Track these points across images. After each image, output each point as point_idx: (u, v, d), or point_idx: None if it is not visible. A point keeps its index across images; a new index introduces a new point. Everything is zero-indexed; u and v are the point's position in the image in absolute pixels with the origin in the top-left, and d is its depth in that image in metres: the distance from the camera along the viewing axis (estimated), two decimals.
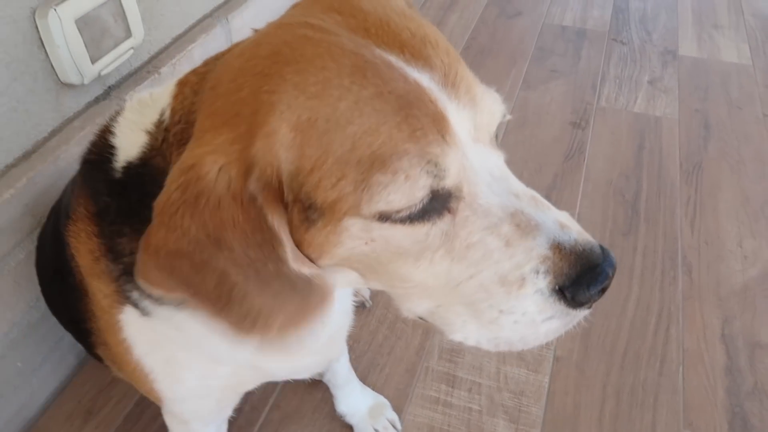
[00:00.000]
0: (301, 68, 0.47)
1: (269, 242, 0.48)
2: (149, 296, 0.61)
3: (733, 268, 1.46)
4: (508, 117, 0.55)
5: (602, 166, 1.77)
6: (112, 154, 0.62)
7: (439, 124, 0.47)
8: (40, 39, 1.04)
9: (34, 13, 1.02)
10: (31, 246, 1.06)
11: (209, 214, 0.47)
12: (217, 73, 0.52)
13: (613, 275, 0.52)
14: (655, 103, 2.03)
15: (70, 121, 1.15)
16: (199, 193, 0.47)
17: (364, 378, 1.20)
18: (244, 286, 0.48)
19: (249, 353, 0.68)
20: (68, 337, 1.19)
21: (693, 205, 1.64)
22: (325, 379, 1.11)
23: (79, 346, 1.22)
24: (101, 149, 0.63)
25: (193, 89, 0.55)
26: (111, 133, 0.63)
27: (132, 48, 1.23)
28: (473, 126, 0.50)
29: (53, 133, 1.12)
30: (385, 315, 1.35)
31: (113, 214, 0.61)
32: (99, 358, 0.81)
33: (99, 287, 0.66)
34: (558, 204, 1.69)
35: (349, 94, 0.46)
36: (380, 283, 0.57)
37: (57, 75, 1.09)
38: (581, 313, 0.53)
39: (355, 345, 1.27)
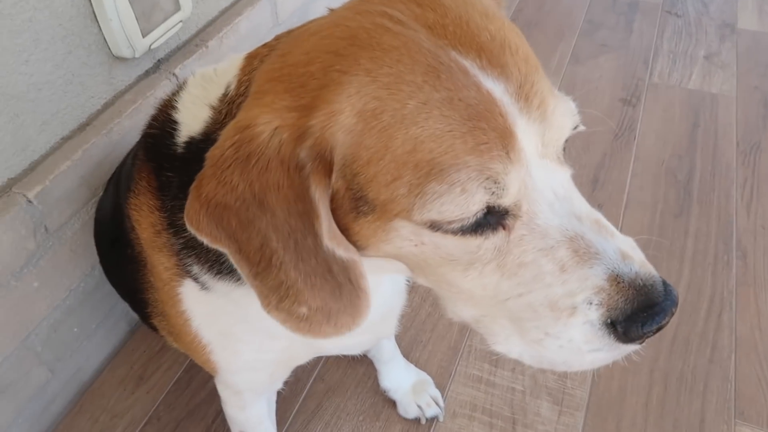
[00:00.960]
0: (377, 56, 0.46)
1: (308, 213, 0.47)
2: (207, 264, 0.62)
3: None
4: (582, 128, 0.52)
5: (653, 144, 1.71)
6: (175, 129, 0.62)
7: (505, 140, 0.46)
8: (93, 12, 1.05)
9: None
10: (87, 216, 1.09)
11: (257, 174, 0.47)
12: (287, 43, 0.52)
13: (673, 314, 0.49)
14: (711, 79, 1.95)
15: (121, 94, 1.16)
16: (251, 152, 0.47)
17: (406, 354, 1.21)
18: (282, 255, 0.48)
19: None
20: (121, 305, 1.23)
21: (750, 188, 1.57)
22: (370, 355, 1.12)
23: (132, 314, 1.26)
24: (163, 123, 0.64)
25: (261, 60, 0.55)
26: (174, 107, 0.63)
27: (181, 21, 1.23)
28: (541, 142, 0.48)
29: (106, 106, 1.13)
30: (428, 292, 1.34)
31: (175, 189, 0.62)
32: (154, 328, 0.84)
33: (160, 260, 0.67)
34: (607, 182, 1.63)
35: (420, 92, 0.45)
36: (427, 282, 0.56)
37: (109, 48, 1.11)
38: (631, 348, 0.51)
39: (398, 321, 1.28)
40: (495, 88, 0.46)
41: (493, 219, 0.48)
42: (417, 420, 1.12)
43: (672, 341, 1.24)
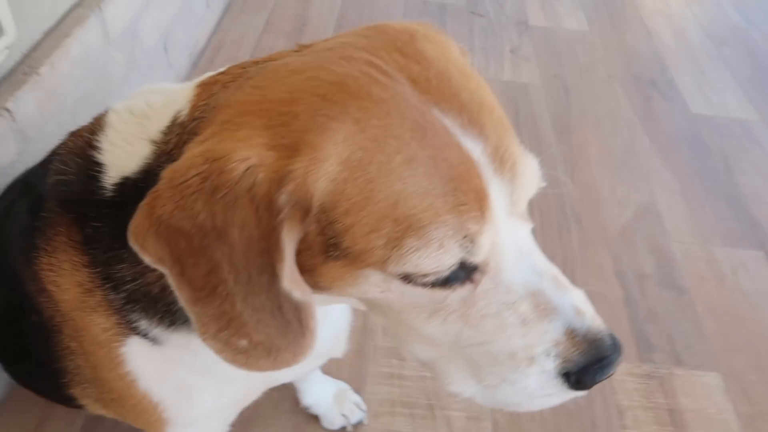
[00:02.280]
0: (366, 106, 0.46)
1: (271, 253, 0.46)
2: (158, 319, 0.57)
3: (612, 213, 1.67)
4: (543, 184, 0.56)
5: None
6: (99, 172, 0.56)
7: (481, 201, 0.48)
8: None
9: None
10: None
11: (222, 207, 0.45)
12: (264, 77, 0.50)
13: (618, 364, 0.53)
14: (520, 71, 2.22)
15: None
16: (219, 185, 0.45)
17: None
18: (231, 287, 0.47)
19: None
20: None
21: (570, 162, 1.83)
22: None
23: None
24: (80, 168, 0.57)
25: (224, 86, 0.52)
26: (94, 148, 0.56)
27: (7, 47, 1.07)
28: (510, 201, 0.51)
29: None
30: None
31: (107, 239, 0.56)
32: (69, 398, 0.73)
33: (94, 321, 0.59)
34: None
35: (407, 148, 0.46)
36: (385, 322, 0.57)
37: None
38: (579, 394, 0.54)
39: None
40: (474, 148, 0.48)
41: (461, 273, 0.50)
42: (343, 429, 1.13)
43: None
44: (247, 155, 0.45)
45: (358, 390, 1.20)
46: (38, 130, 1.13)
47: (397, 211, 0.46)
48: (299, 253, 0.49)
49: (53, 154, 0.63)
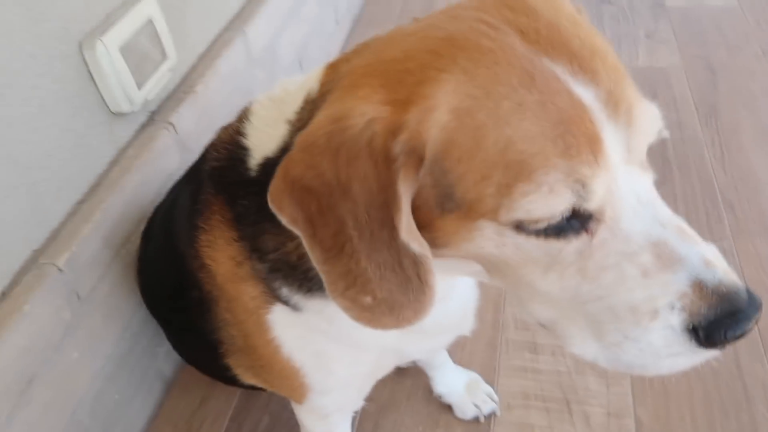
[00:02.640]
0: (474, 57, 0.48)
1: (390, 205, 0.48)
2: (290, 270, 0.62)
3: None
4: (665, 134, 0.53)
5: None
6: (245, 155, 0.63)
7: (593, 146, 0.46)
8: (89, 72, 1.05)
9: (81, 46, 1.02)
10: (113, 278, 1.06)
11: (346, 163, 0.48)
12: (381, 43, 0.54)
13: (757, 321, 0.49)
14: (657, 55, 2.08)
15: (124, 150, 1.15)
16: (342, 142, 0.48)
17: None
18: (356, 243, 0.49)
19: (393, 336, 0.70)
20: (154, 365, 1.20)
21: (719, 147, 1.68)
22: (421, 363, 1.13)
23: (166, 373, 1.23)
24: (230, 153, 0.64)
25: (347, 60, 0.56)
26: (241, 134, 0.63)
27: (170, 70, 1.23)
28: (627, 148, 0.49)
29: (112, 164, 1.12)
30: None
31: (253, 214, 0.62)
32: (225, 369, 0.82)
33: (245, 290, 0.67)
34: None
35: (514, 94, 0.46)
36: (504, 283, 0.57)
37: (107, 105, 1.10)
38: (711, 354, 0.50)
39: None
40: (585, 94, 0.47)
41: (576, 223, 0.49)
42: (476, 419, 1.13)
43: None
44: (366, 111, 0.48)
45: (490, 381, 1.19)
46: (195, 141, 1.28)
47: (506, 156, 0.46)
48: (417, 209, 0.51)
49: (208, 147, 0.72)
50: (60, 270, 0.94)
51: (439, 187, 0.49)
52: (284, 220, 0.51)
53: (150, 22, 1.17)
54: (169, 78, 1.25)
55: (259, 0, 1.65)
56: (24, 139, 0.92)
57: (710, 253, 0.50)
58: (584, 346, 0.53)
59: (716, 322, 0.48)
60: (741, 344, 1.21)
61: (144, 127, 1.21)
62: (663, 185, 1.58)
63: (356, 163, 0.48)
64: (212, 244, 0.67)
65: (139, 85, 1.13)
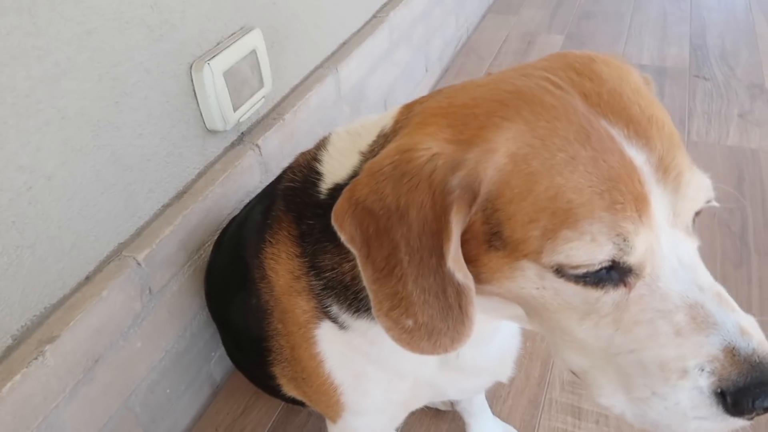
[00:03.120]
0: (536, 110, 0.52)
1: (441, 234, 0.52)
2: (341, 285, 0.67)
3: None
4: (715, 204, 0.55)
5: None
6: (318, 180, 0.68)
7: (639, 204, 0.49)
8: (194, 90, 1.16)
9: (191, 67, 1.14)
10: (183, 279, 1.14)
11: (406, 190, 0.52)
12: (453, 89, 0.59)
13: None
14: (749, 135, 2.02)
15: (212, 164, 1.25)
16: (406, 171, 0.53)
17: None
18: (405, 267, 0.53)
19: (430, 369, 0.72)
20: (206, 368, 1.27)
21: None
22: (459, 408, 1.13)
23: (215, 377, 1.29)
24: (305, 176, 0.70)
25: (421, 102, 0.62)
26: (318, 161, 0.69)
27: (263, 97, 1.34)
28: (673, 212, 0.51)
29: (199, 175, 1.22)
30: None
31: (317, 234, 0.67)
32: (270, 377, 0.86)
33: (298, 304, 0.71)
34: None
35: (569, 147, 0.50)
36: (542, 328, 0.59)
37: (204, 122, 1.20)
38: (738, 423, 0.50)
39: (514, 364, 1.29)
40: (637, 156, 0.50)
41: (616, 275, 0.51)
42: None
43: None
44: (431, 146, 0.53)
45: None
46: (276, 164, 1.37)
47: (555, 204, 0.49)
48: (465, 243, 0.54)
49: (286, 169, 0.78)
50: (138, 264, 1.03)
51: (489, 224, 0.53)
52: (343, 238, 0.55)
53: (254, 53, 1.28)
54: (262, 104, 1.36)
55: (355, 42, 1.75)
56: (129, 143, 1.03)
57: (747, 322, 0.51)
58: (612, 399, 0.54)
59: (745, 389, 0.48)
60: None
61: (233, 145, 1.31)
62: (739, 268, 1.51)
63: (416, 192, 0.52)
64: (276, 257, 0.73)
65: (235, 108, 1.23)
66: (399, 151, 0.54)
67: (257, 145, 1.32)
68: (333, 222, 0.55)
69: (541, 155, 0.50)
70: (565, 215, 0.49)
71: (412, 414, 1.23)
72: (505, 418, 1.22)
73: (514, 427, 1.19)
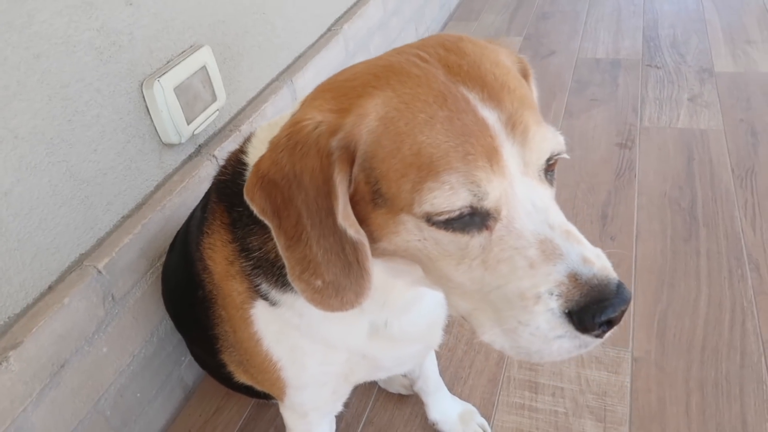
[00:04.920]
0: (403, 80, 0.59)
1: (330, 195, 0.58)
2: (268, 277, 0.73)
3: None
4: (565, 156, 0.63)
5: (654, 179, 1.83)
6: (244, 170, 0.75)
7: (490, 155, 0.56)
8: (146, 106, 1.22)
9: (141, 85, 1.20)
10: (146, 286, 1.20)
11: (299, 158, 0.59)
12: (342, 70, 0.66)
13: (622, 312, 0.56)
14: (698, 117, 2.09)
15: (170, 176, 1.31)
16: (298, 141, 0.59)
17: (449, 391, 1.26)
18: (309, 231, 0.59)
19: (360, 338, 0.78)
20: (177, 372, 1.31)
21: (751, 207, 1.66)
22: (417, 388, 1.18)
23: (186, 381, 1.34)
24: (233, 168, 0.76)
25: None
26: (243, 153, 0.76)
27: (217, 110, 1.40)
28: (523, 162, 0.58)
29: (158, 187, 1.28)
30: (462, 333, 1.42)
31: (245, 219, 0.73)
32: (222, 366, 0.92)
33: (233, 287, 0.77)
34: (615, 217, 1.76)
35: (428, 109, 0.57)
36: (432, 280, 0.65)
37: (159, 136, 1.27)
38: (592, 341, 0.57)
39: (437, 361, 1.34)
40: (489, 116, 0.57)
41: (478, 219, 0.58)
42: None
43: (701, 352, 1.29)
44: (316, 116, 0.60)
45: (486, 416, 1.22)
46: None
47: (419, 159, 0.56)
48: (356, 204, 0.61)
49: (220, 166, 0.84)
50: (99, 272, 1.08)
51: (370, 183, 0.59)
52: (256, 210, 0.61)
53: (204, 68, 1.35)
54: (217, 116, 1.42)
55: (310, 55, 1.83)
56: (84, 158, 1.09)
57: (591, 253, 0.58)
58: (492, 335, 0.61)
59: (586, 307, 0.55)
60: (748, 401, 1.18)
61: (191, 157, 1.37)
62: (688, 241, 1.58)
63: (307, 158, 0.59)
64: (212, 246, 0.79)
65: (188, 121, 1.29)
66: (292, 123, 0.61)
67: (214, 156, 1.39)
68: (245, 197, 0.61)
69: (405, 117, 0.57)
70: (427, 168, 0.56)
71: (377, 400, 1.29)
72: (466, 398, 1.27)
73: (475, 404, 1.25)
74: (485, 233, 0.58)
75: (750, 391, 1.20)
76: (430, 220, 0.57)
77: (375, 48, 2.26)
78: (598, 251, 0.59)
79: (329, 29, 2.00)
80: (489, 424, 1.20)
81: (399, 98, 0.58)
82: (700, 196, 1.73)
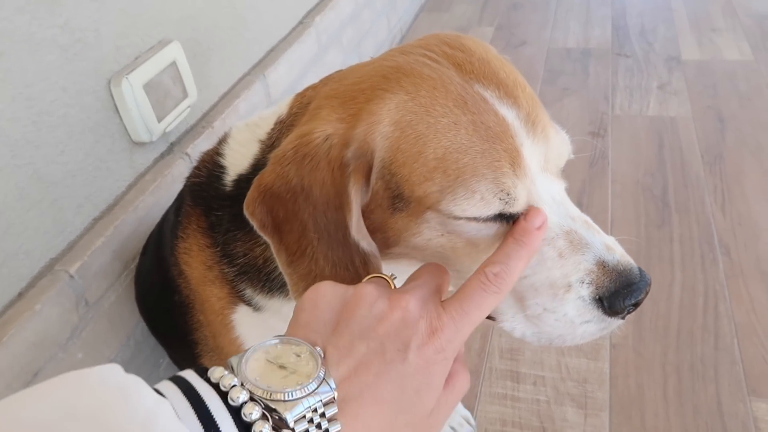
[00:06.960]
0: (417, 82, 0.57)
1: (343, 207, 0.57)
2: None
3: None
4: (572, 156, 0.64)
5: (627, 167, 1.85)
6: (222, 173, 0.73)
7: (513, 158, 0.56)
8: (115, 105, 1.19)
9: (109, 82, 1.17)
10: (120, 289, 1.17)
11: (308, 171, 0.57)
12: (342, 72, 0.64)
13: (647, 293, 0.58)
14: (668, 105, 2.13)
15: (142, 175, 1.28)
16: (306, 153, 0.57)
17: None
18: (315, 245, 0.58)
19: None
20: (155, 375, 1.29)
21: (721, 192, 1.70)
22: None
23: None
24: (209, 171, 0.74)
25: (314, 89, 0.66)
26: (220, 155, 0.74)
27: (189, 107, 1.37)
28: (543, 159, 0.59)
29: (129, 187, 1.24)
30: None
31: (226, 224, 0.71)
32: None
33: (212, 292, 0.75)
34: (590, 206, 1.78)
35: (451, 114, 0.56)
36: (454, 273, 0.63)
37: (129, 135, 1.23)
38: (615, 323, 0.59)
39: None
40: (508, 114, 0.57)
41: (506, 217, 0.58)
42: None
43: (677, 336, 1.32)
44: (325, 127, 0.58)
45: (469, 408, 1.23)
46: None
47: (444, 163, 0.55)
48: (372, 212, 0.59)
49: (192, 167, 0.82)
50: (71, 276, 1.05)
51: (390, 189, 0.58)
52: (255, 225, 0.59)
53: (174, 64, 1.32)
54: (189, 113, 1.39)
55: (282, 48, 1.80)
56: (51, 160, 1.05)
57: (610, 241, 0.60)
58: (513, 322, 0.60)
59: (616, 292, 0.56)
60: (723, 383, 1.21)
61: (163, 155, 1.34)
62: (661, 228, 1.61)
63: (317, 171, 0.57)
64: (188, 250, 0.77)
65: (159, 119, 1.26)
66: (298, 136, 0.58)
67: (187, 154, 1.36)
68: (245, 211, 0.59)
69: (425, 120, 0.56)
70: (455, 174, 0.55)
71: None
72: None
73: None
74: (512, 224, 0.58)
75: (724, 372, 1.23)
76: (457, 217, 0.57)
77: (347, 41, 2.24)
78: (614, 239, 0.60)
79: (301, 22, 1.97)
80: (473, 415, 1.21)
81: (414, 101, 0.56)
82: (672, 183, 1.76)
